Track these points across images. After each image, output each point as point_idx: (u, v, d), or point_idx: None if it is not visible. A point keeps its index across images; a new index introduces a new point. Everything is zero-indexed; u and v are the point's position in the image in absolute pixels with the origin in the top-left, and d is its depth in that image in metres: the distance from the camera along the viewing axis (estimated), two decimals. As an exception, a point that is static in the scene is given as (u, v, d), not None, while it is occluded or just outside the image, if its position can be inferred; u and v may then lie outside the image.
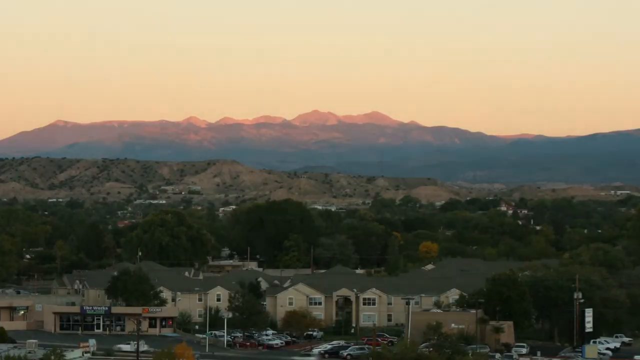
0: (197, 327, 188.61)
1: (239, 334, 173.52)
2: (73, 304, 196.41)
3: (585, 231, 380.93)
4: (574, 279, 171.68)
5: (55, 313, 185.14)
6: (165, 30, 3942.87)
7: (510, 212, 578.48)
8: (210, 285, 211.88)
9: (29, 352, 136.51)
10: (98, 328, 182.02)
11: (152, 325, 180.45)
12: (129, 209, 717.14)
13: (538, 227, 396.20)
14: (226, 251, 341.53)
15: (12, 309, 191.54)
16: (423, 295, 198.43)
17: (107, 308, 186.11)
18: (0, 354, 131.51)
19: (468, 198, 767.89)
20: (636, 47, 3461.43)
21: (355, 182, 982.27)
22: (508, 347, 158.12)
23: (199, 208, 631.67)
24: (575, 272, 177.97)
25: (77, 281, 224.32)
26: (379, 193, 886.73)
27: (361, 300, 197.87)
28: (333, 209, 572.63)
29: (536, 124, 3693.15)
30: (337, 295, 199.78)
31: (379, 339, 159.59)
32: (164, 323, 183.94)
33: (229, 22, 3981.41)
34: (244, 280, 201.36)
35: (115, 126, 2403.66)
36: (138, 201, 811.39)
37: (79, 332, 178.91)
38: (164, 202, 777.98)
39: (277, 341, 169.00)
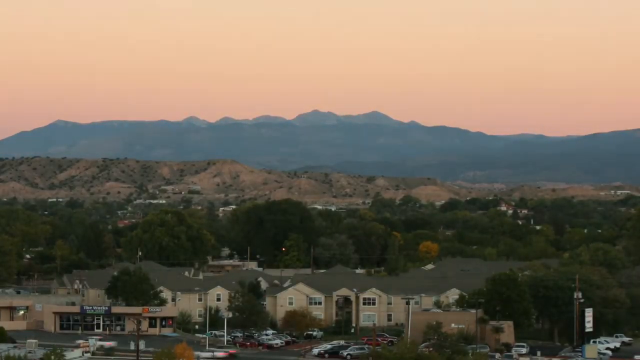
0: (197, 327, 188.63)
1: (239, 334, 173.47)
2: (73, 303, 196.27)
3: (585, 231, 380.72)
4: (574, 279, 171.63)
5: (55, 313, 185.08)
6: (165, 30, 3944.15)
7: (510, 212, 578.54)
8: (210, 285, 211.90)
9: (29, 352, 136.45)
10: (98, 328, 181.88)
11: (152, 325, 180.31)
12: (129, 208, 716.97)
13: (538, 227, 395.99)
14: (226, 251, 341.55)
15: (12, 309, 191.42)
16: (423, 295, 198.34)
17: (107, 308, 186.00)
18: (0, 354, 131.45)
19: (468, 198, 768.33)
20: (636, 47, 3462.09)
21: (355, 182, 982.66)
22: (508, 347, 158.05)
23: (199, 208, 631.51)
24: (575, 272, 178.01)
25: (77, 281, 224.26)
26: (379, 193, 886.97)
27: (361, 300, 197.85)
28: (333, 209, 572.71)
29: (536, 124, 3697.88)
30: (337, 295, 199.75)
31: (379, 339, 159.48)
32: (164, 323, 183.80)
33: (229, 22, 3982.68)
34: (244, 280, 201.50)
35: (115, 126, 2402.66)
36: (138, 201, 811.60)
37: (79, 332, 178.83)
38: (164, 202, 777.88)
39: (277, 341, 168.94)
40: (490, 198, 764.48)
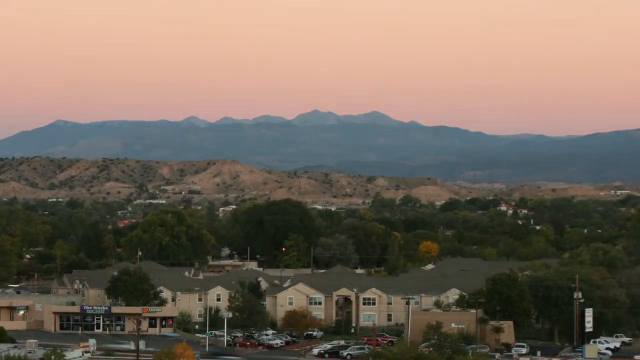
0: (197, 327, 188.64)
1: (239, 334, 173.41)
2: (73, 303, 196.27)
3: (585, 231, 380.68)
4: (574, 279, 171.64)
5: (55, 313, 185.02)
6: (165, 30, 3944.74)
7: (510, 212, 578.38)
8: (210, 285, 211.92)
9: (29, 352, 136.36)
10: (98, 328, 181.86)
11: (152, 325, 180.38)
12: (129, 208, 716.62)
13: (538, 227, 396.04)
14: (226, 251, 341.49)
15: (12, 309, 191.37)
16: (423, 295, 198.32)
17: (107, 308, 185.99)
18: (0, 354, 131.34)
19: (468, 198, 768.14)
20: (636, 47, 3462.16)
21: (355, 182, 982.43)
22: (508, 347, 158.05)
23: (199, 208, 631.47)
24: (575, 272, 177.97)
25: (77, 281, 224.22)
26: (379, 193, 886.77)
27: (361, 300, 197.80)
28: (333, 208, 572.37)
29: (536, 124, 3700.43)
30: (337, 295, 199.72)
31: (379, 339, 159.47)
32: (164, 323, 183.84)
33: (229, 22, 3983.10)
34: (244, 280, 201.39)
35: (115, 126, 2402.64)
36: (138, 201, 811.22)
37: (79, 332, 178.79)
38: (164, 202, 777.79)
39: (277, 341, 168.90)
40: (490, 198, 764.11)
